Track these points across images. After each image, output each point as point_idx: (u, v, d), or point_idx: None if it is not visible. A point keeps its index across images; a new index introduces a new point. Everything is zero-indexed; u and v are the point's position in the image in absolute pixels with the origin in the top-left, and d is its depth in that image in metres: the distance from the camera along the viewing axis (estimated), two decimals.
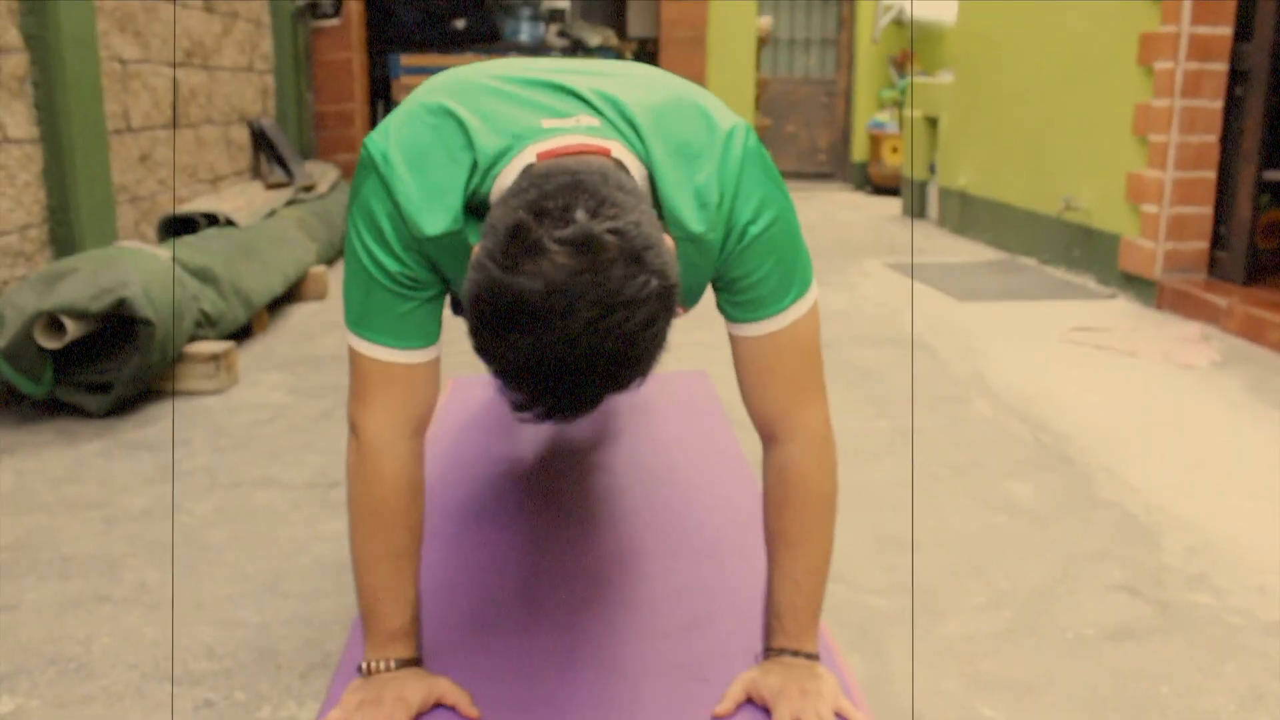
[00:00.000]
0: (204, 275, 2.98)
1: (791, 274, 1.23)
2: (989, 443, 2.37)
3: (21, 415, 2.57)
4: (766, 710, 1.33)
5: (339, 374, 2.96)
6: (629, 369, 0.97)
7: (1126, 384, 2.82)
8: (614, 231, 0.96)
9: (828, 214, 6.51)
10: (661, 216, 1.15)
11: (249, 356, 3.15)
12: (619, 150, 1.12)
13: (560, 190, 0.99)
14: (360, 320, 1.20)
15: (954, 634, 1.56)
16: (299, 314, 3.76)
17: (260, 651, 1.52)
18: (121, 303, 2.46)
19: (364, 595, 1.29)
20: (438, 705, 1.34)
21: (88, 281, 2.48)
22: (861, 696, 1.40)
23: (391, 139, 1.15)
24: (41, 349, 2.45)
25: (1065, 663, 1.49)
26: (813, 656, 1.35)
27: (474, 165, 1.13)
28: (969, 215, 5.45)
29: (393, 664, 1.30)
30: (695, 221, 1.15)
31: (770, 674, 1.33)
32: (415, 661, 1.32)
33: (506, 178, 1.09)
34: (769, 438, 1.31)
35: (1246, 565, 1.76)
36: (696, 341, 3.23)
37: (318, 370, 3.01)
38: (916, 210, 6.28)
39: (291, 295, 3.91)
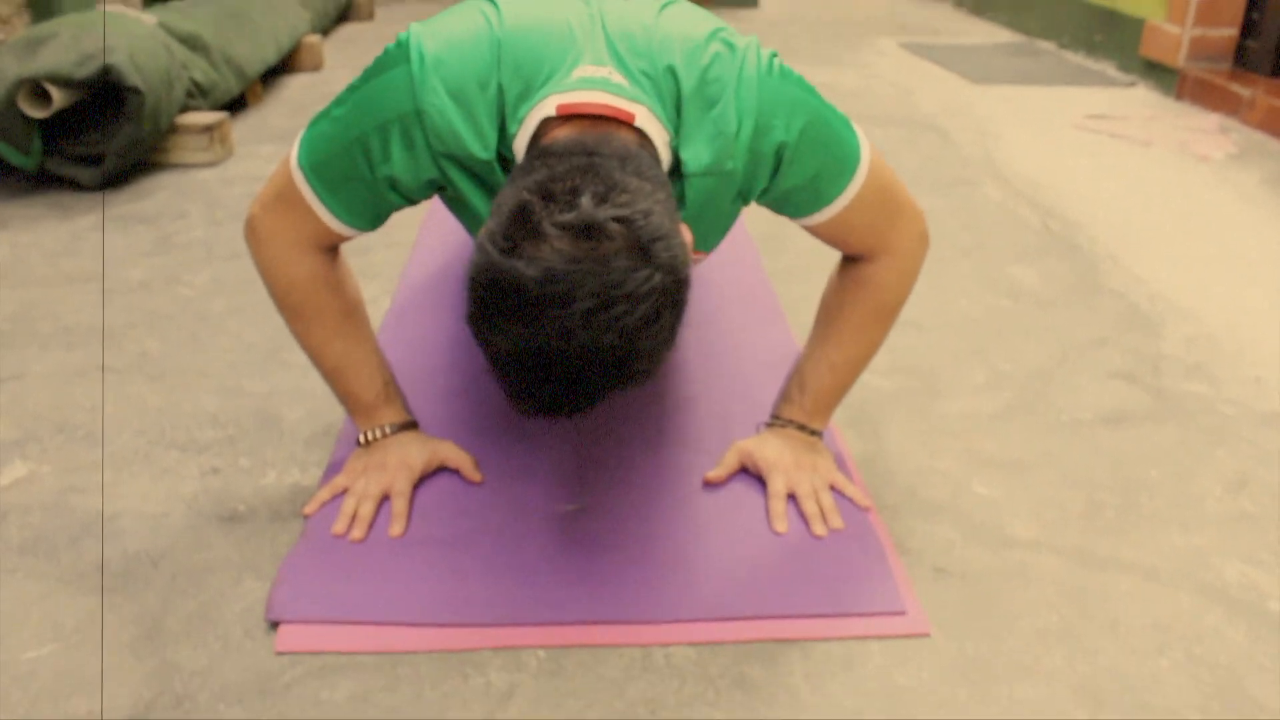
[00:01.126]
0: (193, 43, 2.86)
1: (842, 160, 1.18)
2: (996, 226, 2.34)
3: (12, 188, 2.52)
4: (763, 481, 1.35)
5: None
6: (628, 367, 0.92)
7: (1139, 174, 2.77)
8: (621, 220, 0.90)
9: None
10: (678, 171, 1.09)
11: (243, 128, 3.07)
12: (644, 117, 1.04)
13: (571, 171, 0.93)
14: (317, 169, 1.14)
15: (952, 413, 1.58)
16: (294, 85, 3.64)
17: (264, 419, 1.53)
18: (107, 70, 2.37)
19: (330, 380, 1.30)
20: (441, 468, 1.37)
21: (70, 47, 2.39)
22: (857, 471, 1.42)
23: (440, 42, 1.08)
24: (27, 119, 2.38)
25: (1060, 443, 1.51)
26: (816, 433, 1.36)
27: (500, 101, 1.06)
28: None
29: (388, 429, 1.31)
30: (706, 155, 1.08)
31: (767, 444, 1.35)
32: (411, 424, 1.33)
33: (526, 129, 1.04)
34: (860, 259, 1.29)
35: (1245, 358, 1.77)
36: None
37: None
38: None
39: (285, 66, 3.79)
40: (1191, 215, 2.45)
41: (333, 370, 1.29)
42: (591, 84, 1.04)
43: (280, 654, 1.09)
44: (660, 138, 1.07)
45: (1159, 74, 3.73)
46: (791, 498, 1.31)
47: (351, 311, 1.27)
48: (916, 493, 1.38)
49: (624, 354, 0.91)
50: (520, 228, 0.91)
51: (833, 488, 1.32)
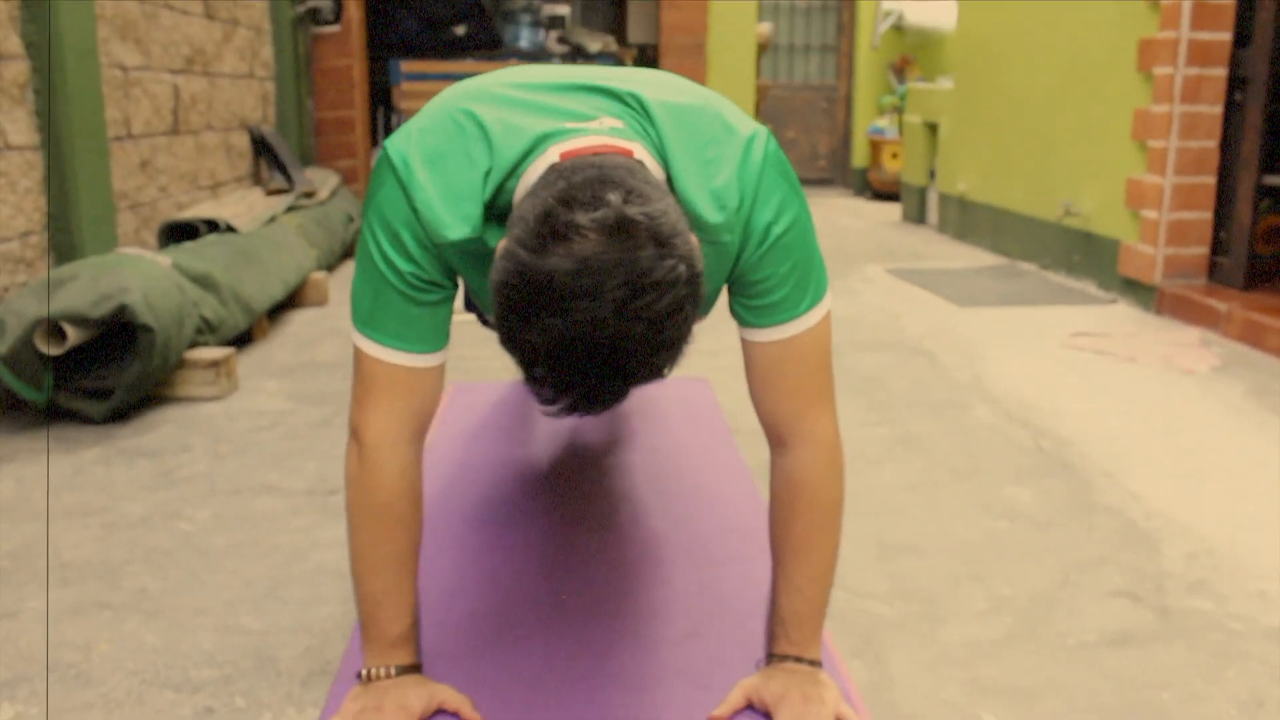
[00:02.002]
0: (204, 282, 2.98)
1: (807, 280, 1.23)
2: (989, 448, 2.37)
3: (22, 422, 2.57)
4: (767, 716, 1.33)
5: (339, 380, 2.96)
6: (656, 355, 0.97)
7: (1126, 389, 2.82)
8: (645, 215, 0.97)
9: (829, 219, 6.51)
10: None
11: (249, 363, 3.15)
12: (641, 152, 1.12)
13: (588, 182, 1.00)
14: (369, 320, 1.20)
15: (955, 640, 1.56)
16: (299, 320, 3.76)
17: (260, 658, 1.52)
18: (122, 309, 2.46)
19: (364, 602, 1.28)
20: (439, 712, 1.34)
21: (88, 288, 2.49)
22: (862, 703, 1.39)
23: (412, 142, 1.15)
24: (42, 355, 2.45)
25: (1066, 669, 1.48)
26: (815, 663, 1.35)
27: (493, 170, 1.13)
28: (969, 221, 5.45)
29: (393, 670, 1.29)
30: (713, 215, 1.14)
31: (772, 680, 1.33)
32: (415, 668, 1.31)
33: (530, 177, 1.09)
34: (778, 443, 1.30)
35: (1247, 571, 1.76)
36: (697, 349, 3.22)
37: (318, 377, 3.01)
38: (916, 216, 6.28)
39: (292, 301, 3.91)
40: (1181, 429, 2.49)
41: (370, 594, 1.27)
42: (588, 132, 1.11)
43: None
44: (658, 174, 1.12)
45: (1138, 291, 3.87)
46: None
47: (414, 540, 1.29)
48: None
49: (652, 344, 0.95)
50: (548, 228, 0.95)
51: None
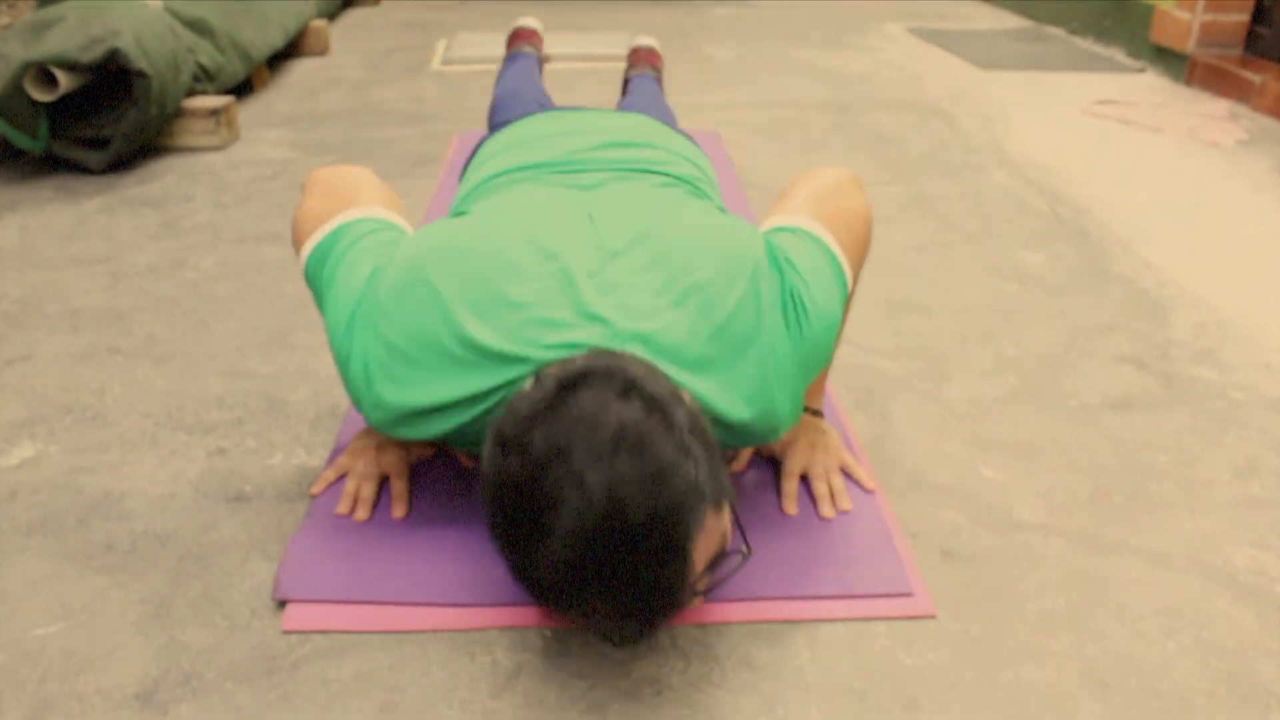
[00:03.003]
0: (199, 27, 2.86)
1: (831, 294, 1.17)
2: (1004, 212, 2.33)
3: (21, 171, 2.53)
4: (774, 461, 1.36)
5: (342, 130, 2.90)
6: (673, 498, 0.88)
7: (1148, 160, 2.75)
8: (591, 370, 0.94)
9: None
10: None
11: (250, 112, 3.07)
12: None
13: (548, 378, 0.97)
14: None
15: (958, 397, 1.57)
16: (300, 69, 3.64)
17: (270, 401, 1.54)
18: (114, 53, 2.37)
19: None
20: (442, 450, 1.37)
21: (76, 30, 2.39)
22: (863, 453, 1.42)
23: (388, 323, 1.08)
24: (34, 102, 2.38)
25: (1067, 428, 1.50)
26: (818, 413, 1.36)
27: (474, 398, 1.06)
28: None
29: None
30: (745, 411, 1.09)
31: None
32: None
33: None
34: None
35: (1255, 344, 1.76)
36: (708, 102, 3.14)
37: (321, 126, 2.94)
38: None
39: (292, 50, 3.78)
40: (1201, 202, 2.44)
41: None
42: (574, 347, 1.03)
43: (287, 633, 1.09)
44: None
45: (1169, 60, 3.71)
46: (801, 478, 1.31)
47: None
48: (923, 476, 1.38)
49: (651, 473, 0.87)
50: (498, 448, 0.93)
51: (842, 468, 1.33)
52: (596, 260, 1.10)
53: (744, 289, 1.08)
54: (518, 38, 2.57)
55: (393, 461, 1.29)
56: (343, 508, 1.25)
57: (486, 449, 0.94)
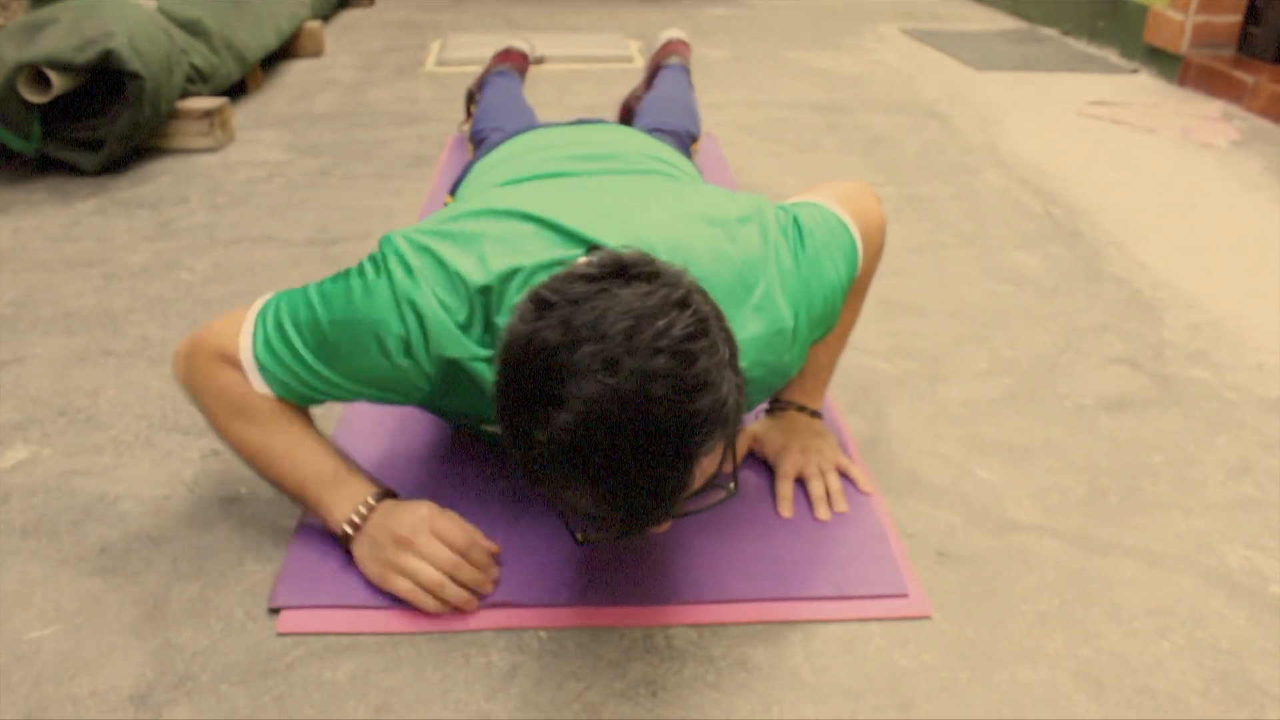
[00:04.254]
0: (193, 27, 2.85)
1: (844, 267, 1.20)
2: (999, 213, 2.34)
3: (14, 173, 2.52)
4: (770, 464, 1.36)
5: (337, 132, 2.89)
6: (697, 403, 0.84)
7: (1142, 161, 2.76)
8: (635, 260, 0.91)
9: None
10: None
11: (244, 114, 3.06)
12: None
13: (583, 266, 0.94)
14: (273, 340, 1.11)
15: (953, 398, 1.58)
16: (295, 70, 3.64)
17: None
18: (107, 54, 2.37)
19: (284, 471, 1.16)
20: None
21: (70, 32, 2.38)
22: (859, 454, 1.42)
23: (411, 262, 1.07)
24: (27, 103, 2.37)
25: (1062, 429, 1.50)
26: (816, 414, 1.37)
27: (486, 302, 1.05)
28: None
29: (371, 500, 1.15)
30: (751, 352, 1.08)
31: (773, 429, 1.35)
32: (392, 493, 1.19)
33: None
34: None
35: (1248, 344, 1.76)
36: (703, 103, 3.14)
37: (315, 127, 2.94)
38: None
39: (286, 51, 3.78)
40: (1195, 202, 2.45)
41: (281, 459, 1.15)
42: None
43: (282, 635, 1.09)
44: None
45: (1162, 60, 3.72)
46: (797, 480, 1.31)
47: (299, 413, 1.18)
48: (919, 477, 1.38)
49: (687, 381, 0.84)
50: (535, 308, 0.88)
51: (838, 470, 1.33)
52: (617, 215, 1.12)
53: (753, 225, 1.12)
54: (504, 57, 2.62)
55: (460, 530, 1.14)
56: (431, 607, 1.11)
57: (520, 305, 0.90)
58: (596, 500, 0.86)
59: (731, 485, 1.00)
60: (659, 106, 2.18)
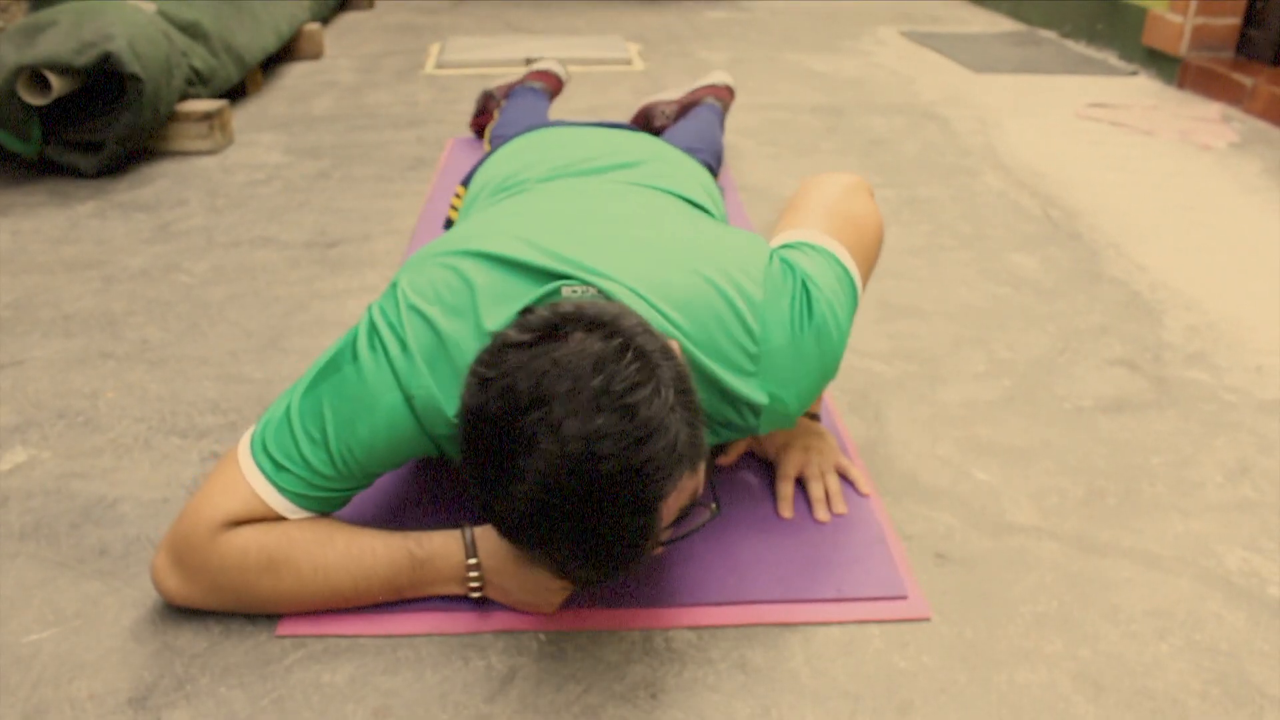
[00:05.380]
0: (193, 30, 2.86)
1: (837, 330, 1.15)
2: (997, 215, 2.34)
3: (13, 175, 2.52)
4: (770, 465, 1.36)
5: (336, 134, 2.90)
6: (648, 454, 0.85)
7: (1141, 163, 2.76)
8: (574, 313, 0.91)
9: None
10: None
11: (243, 116, 3.06)
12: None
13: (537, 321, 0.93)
14: (280, 460, 1.06)
15: (952, 400, 1.58)
16: (294, 73, 3.64)
17: (263, 405, 1.53)
18: (107, 57, 2.37)
19: (354, 583, 1.10)
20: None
21: (70, 34, 2.38)
22: (858, 456, 1.42)
23: (407, 333, 1.05)
24: (27, 106, 2.37)
25: (1060, 431, 1.50)
26: (814, 416, 1.37)
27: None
28: None
29: (471, 560, 1.12)
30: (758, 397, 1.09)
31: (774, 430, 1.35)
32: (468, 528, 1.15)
33: None
34: None
35: (1246, 346, 1.76)
36: None
37: (314, 130, 2.94)
38: None
39: (285, 54, 3.78)
40: (1193, 204, 2.45)
41: (343, 566, 1.08)
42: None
43: (281, 637, 1.09)
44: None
45: (1161, 63, 3.73)
46: (796, 481, 1.31)
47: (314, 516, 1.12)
48: (917, 478, 1.38)
49: (632, 434, 0.84)
50: (479, 381, 0.89)
51: (837, 470, 1.33)
52: (602, 232, 1.11)
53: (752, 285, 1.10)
54: (540, 76, 2.59)
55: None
56: None
57: (468, 381, 0.91)
58: (572, 559, 0.88)
59: (714, 506, 1.01)
60: (689, 136, 2.14)
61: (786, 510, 1.27)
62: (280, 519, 1.07)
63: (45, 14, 2.48)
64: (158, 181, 2.50)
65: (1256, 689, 1.05)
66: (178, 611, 1.12)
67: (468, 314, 1.04)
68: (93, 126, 2.49)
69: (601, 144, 1.50)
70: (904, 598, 1.15)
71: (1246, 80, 3.28)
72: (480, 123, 2.71)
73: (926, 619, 1.13)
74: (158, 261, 2.04)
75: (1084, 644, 1.11)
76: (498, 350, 0.90)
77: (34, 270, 2.00)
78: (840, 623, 1.12)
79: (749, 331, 1.07)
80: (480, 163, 1.68)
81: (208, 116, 2.70)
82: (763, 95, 3.36)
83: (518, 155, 1.55)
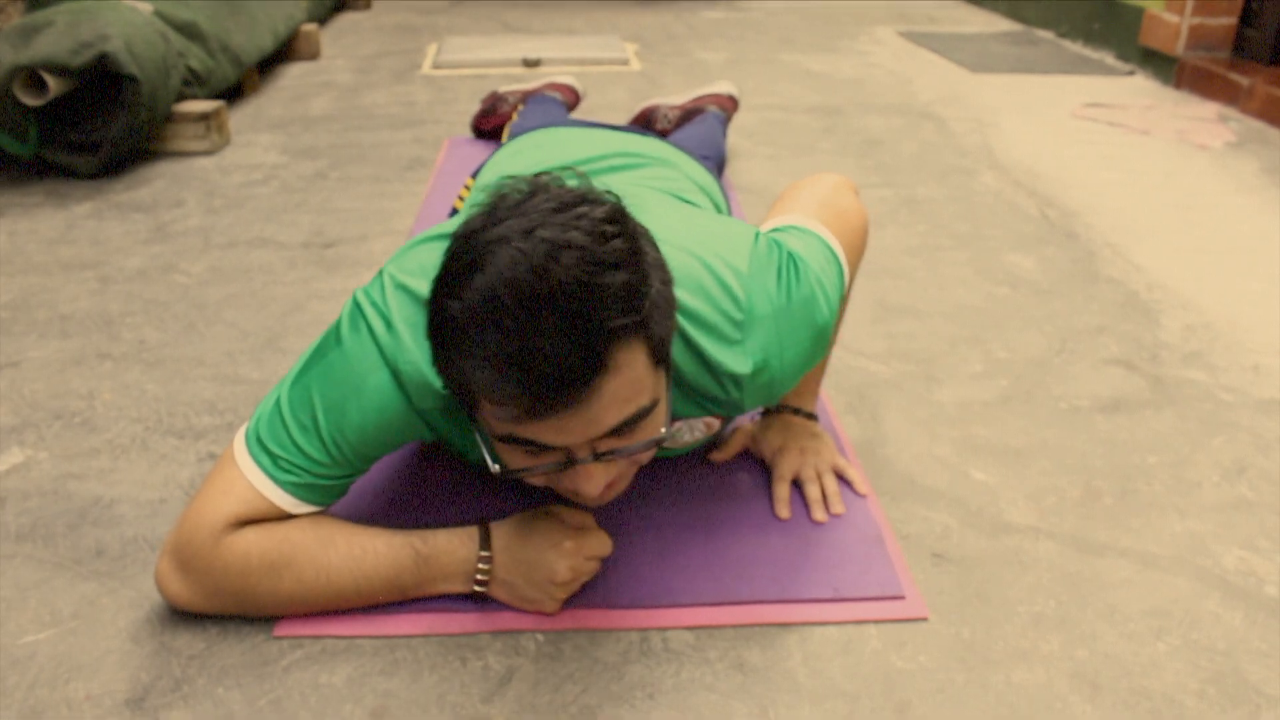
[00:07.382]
0: (189, 31, 2.85)
1: (822, 320, 1.14)
2: (994, 215, 2.34)
3: (10, 176, 2.52)
4: (766, 465, 1.36)
5: (333, 135, 2.89)
6: (608, 274, 0.83)
7: (1137, 163, 2.76)
8: (546, 184, 0.90)
9: None
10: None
11: (240, 117, 3.06)
12: None
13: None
14: (275, 452, 1.05)
15: (949, 400, 1.58)
16: (291, 74, 3.64)
17: None
18: (103, 57, 2.37)
19: (358, 583, 1.09)
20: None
21: (66, 35, 2.38)
22: (855, 456, 1.42)
23: (391, 309, 1.05)
24: (23, 107, 2.37)
25: (1057, 431, 1.51)
26: (812, 416, 1.37)
27: None
28: None
29: (481, 553, 1.11)
30: (741, 366, 1.08)
31: (770, 430, 1.35)
32: (482, 522, 1.15)
33: None
34: None
35: (1243, 346, 1.77)
36: None
37: (311, 130, 2.94)
38: None
39: (282, 54, 3.78)
40: (1190, 204, 2.45)
41: (346, 566, 1.08)
42: None
43: (278, 638, 1.09)
44: None
45: (1157, 63, 3.73)
46: (793, 481, 1.31)
47: (316, 516, 1.11)
48: (914, 479, 1.38)
49: (599, 256, 0.83)
50: (470, 221, 0.89)
51: (834, 470, 1.33)
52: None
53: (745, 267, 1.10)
54: (558, 87, 2.61)
55: (596, 543, 1.13)
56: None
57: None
58: (503, 372, 0.83)
59: (715, 424, 0.99)
60: (693, 142, 2.13)
61: (783, 511, 1.27)
62: (281, 514, 1.07)
63: (42, 14, 2.48)
64: (155, 182, 2.49)
65: (1253, 688, 1.05)
66: (175, 612, 1.12)
67: None
68: (89, 127, 2.49)
69: (613, 145, 1.51)
70: (901, 598, 1.15)
71: (1243, 80, 3.28)
72: (484, 123, 2.72)
73: (924, 619, 1.13)
74: (155, 262, 2.04)
75: (1081, 644, 1.11)
76: (500, 187, 0.90)
77: (31, 271, 1.99)
78: (838, 623, 1.12)
79: (734, 299, 1.06)
80: (491, 156, 1.69)
81: (205, 117, 2.69)
82: (760, 95, 3.36)
83: (529, 150, 1.56)
